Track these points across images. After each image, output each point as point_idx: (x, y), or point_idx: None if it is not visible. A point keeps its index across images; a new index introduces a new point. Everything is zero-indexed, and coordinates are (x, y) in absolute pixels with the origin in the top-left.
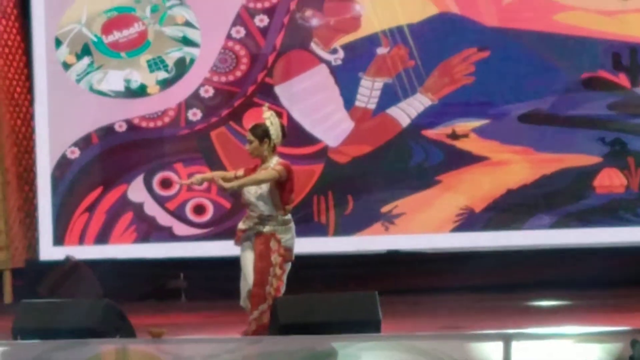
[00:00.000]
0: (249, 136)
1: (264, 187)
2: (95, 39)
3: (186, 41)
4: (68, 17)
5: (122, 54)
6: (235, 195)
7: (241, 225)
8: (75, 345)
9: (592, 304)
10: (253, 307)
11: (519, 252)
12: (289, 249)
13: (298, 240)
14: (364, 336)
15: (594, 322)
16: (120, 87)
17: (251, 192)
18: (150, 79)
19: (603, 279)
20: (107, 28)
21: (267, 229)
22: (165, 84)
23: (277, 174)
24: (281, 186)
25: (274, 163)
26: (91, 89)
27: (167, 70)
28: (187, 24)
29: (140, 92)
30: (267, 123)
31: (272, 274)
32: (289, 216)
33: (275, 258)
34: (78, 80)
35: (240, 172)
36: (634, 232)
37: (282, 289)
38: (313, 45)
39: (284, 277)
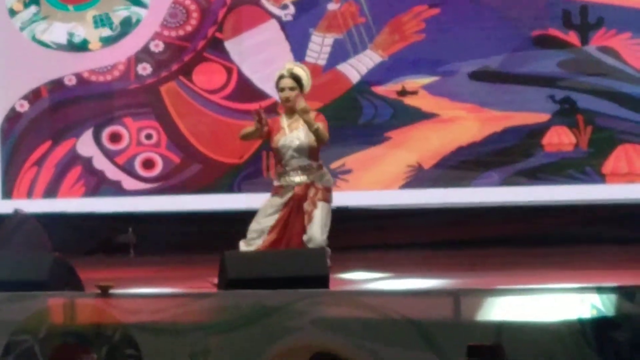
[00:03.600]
0: (291, 83)
1: (304, 139)
2: None
3: (135, 1)
4: None
5: (70, 7)
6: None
7: (276, 182)
8: (22, 298)
9: (538, 261)
10: None
11: (468, 209)
12: (328, 189)
13: (246, 196)
14: (312, 292)
15: (540, 279)
16: (62, 39)
17: (292, 146)
18: (94, 35)
19: (550, 237)
20: None
21: (304, 179)
22: (107, 41)
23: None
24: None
25: (310, 114)
26: (33, 39)
27: (111, 28)
28: None
29: (82, 47)
30: (302, 72)
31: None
32: (321, 161)
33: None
34: (22, 29)
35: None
36: (582, 190)
37: None
38: (263, 1)
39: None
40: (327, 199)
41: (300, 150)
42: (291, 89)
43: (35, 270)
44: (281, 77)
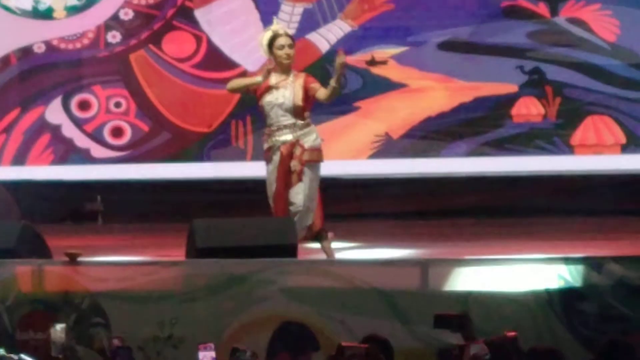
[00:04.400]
0: (290, 41)
1: (289, 97)
2: None
3: None
4: None
5: None
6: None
7: (265, 145)
8: None
9: (506, 232)
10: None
11: (436, 180)
12: (315, 149)
13: (215, 164)
14: (280, 261)
15: (508, 249)
16: (28, 6)
17: (276, 103)
18: (59, 4)
19: (518, 207)
20: None
21: (289, 137)
22: (73, 10)
23: None
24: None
25: (298, 74)
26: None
27: None
28: None
29: (47, 14)
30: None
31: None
32: (309, 120)
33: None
34: None
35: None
36: (550, 160)
37: None
38: None
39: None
40: (314, 159)
41: (284, 108)
42: (290, 46)
43: (3, 237)
44: (277, 36)
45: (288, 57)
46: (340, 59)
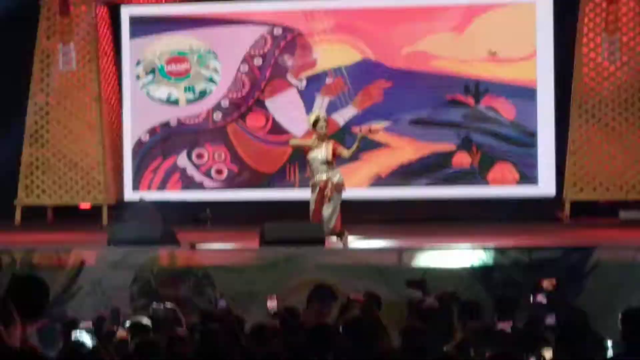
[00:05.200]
0: (326, 123)
1: (323, 154)
2: (159, 66)
3: (210, 79)
4: (149, 51)
5: (172, 78)
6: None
7: (310, 181)
8: (145, 250)
9: (448, 231)
10: None
11: (408, 201)
12: (340, 184)
13: (277, 190)
14: (314, 248)
15: (450, 241)
16: (163, 97)
17: (317, 157)
18: (182, 97)
19: (456, 217)
20: (168, 61)
21: (324, 177)
22: (189, 102)
23: None
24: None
25: (329, 140)
26: (147, 94)
27: (193, 94)
28: (214, 70)
29: (174, 103)
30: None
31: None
32: (334, 166)
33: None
34: (141, 87)
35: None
36: (475, 190)
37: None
38: (288, 76)
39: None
40: (340, 191)
41: (321, 161)
42: (326, 127)
43: (152, 234)
44: (318, 120)
45: (325, 133)
46: (363, 132)
